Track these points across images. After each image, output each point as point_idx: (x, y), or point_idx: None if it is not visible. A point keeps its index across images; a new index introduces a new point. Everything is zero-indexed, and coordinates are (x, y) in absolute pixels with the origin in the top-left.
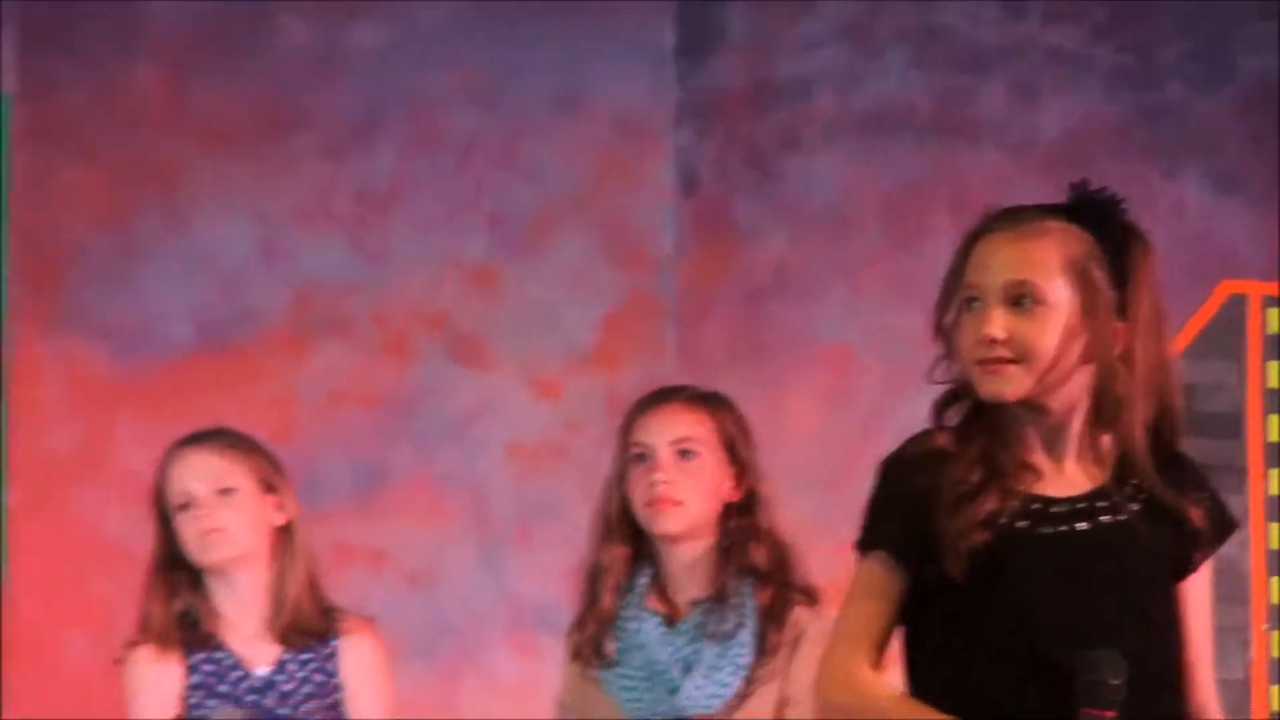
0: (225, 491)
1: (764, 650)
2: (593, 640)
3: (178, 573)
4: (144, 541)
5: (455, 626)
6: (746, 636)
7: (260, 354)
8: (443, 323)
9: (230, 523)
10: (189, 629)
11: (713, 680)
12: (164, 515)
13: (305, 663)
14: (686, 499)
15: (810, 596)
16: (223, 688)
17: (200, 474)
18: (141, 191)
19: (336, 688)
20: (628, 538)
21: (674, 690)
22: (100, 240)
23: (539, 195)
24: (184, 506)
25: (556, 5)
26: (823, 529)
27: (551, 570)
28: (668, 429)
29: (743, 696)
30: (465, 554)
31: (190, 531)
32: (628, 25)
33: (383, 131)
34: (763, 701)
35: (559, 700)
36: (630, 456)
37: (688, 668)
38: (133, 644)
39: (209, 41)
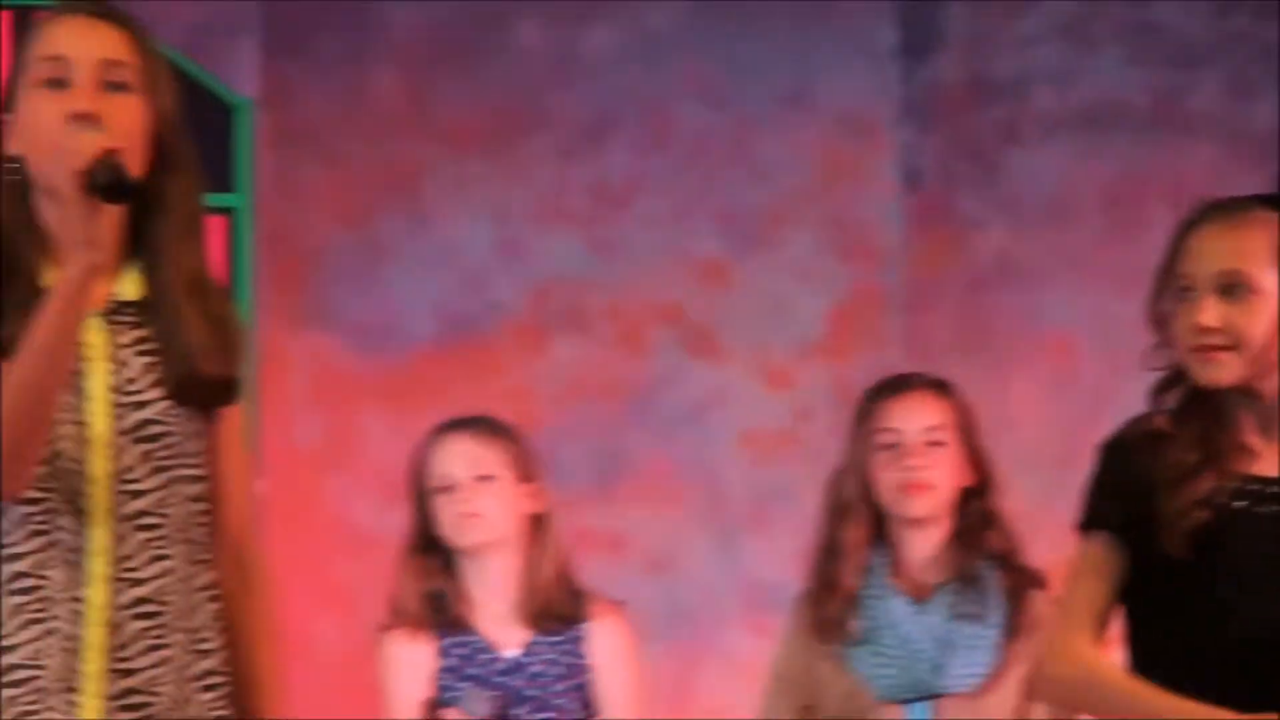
0: (484, 478)
1: (1009, 632)
2: (837, 618)
3: (431, 555)
4: (390, 529)
5: (693, 610)
6: (995, 618)
7: (500, 347)
8: (676, 315)
9: (488, 508)
10: (439, 611)
11: (972, 660)
12: (421, 497)
13: (554, 645)
14: (937, 484)
15: (1039, 580)
16: (472, 670)
17: (461, 459)
18: (384, 192)
19: (585, 670)
20: (868, 519)
21: (934, 668)
22: (345, 240)
23: (767, 191)
24: (444, 490)
25: (783, 6)
26: (1047, 512)
27: (785, 553)
28: (918, 417)
29: (994, 677)
30: (701, 539)
31: (448, 514)
32: (851, 26)
33: (616, 131)
34: (1011, 682)
35: (775, 670)
36: (876, 443)
37: (945, 647)
38: (386, 627)
39: (447, 46)
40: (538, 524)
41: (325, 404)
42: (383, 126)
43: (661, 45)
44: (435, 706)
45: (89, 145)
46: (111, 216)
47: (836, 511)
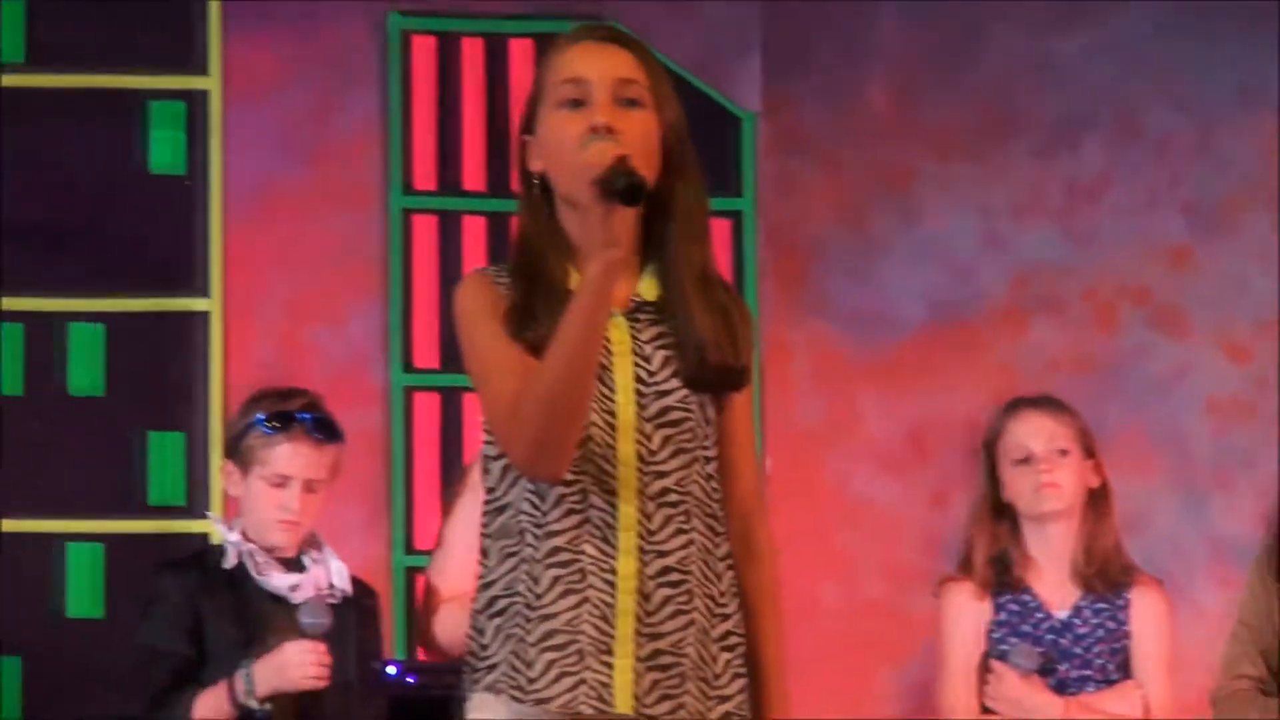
0: (1061, 452)
1: None
2: None
3: (1000, 519)
4: (885, 500)
5: (1164, 564)
6: None
7: (984, 330)
8: (1145, 297)
9: (1063, 479)
10: (1001, 571)
11: None
12: (991, 465)
13: (1099, 610)
14: None
15: None
16: (1025, 628)
17: (1040, 433)
18: (877, 193)
19: (1124, 635)
20: None
21: None
22: (841, 236)
23: (1228, 181)
24: (1022, 460)
25: (1240, 8)
26: None
27: (1247, 512)
28: None
29: None
30: (1171, 500)
31: (1026, 484)
32: None
33: (1088, 131)
34: None
35: (1240, 618)
36: None
37: None
38: (951, 580)
39: (933, 56)
40: (1097, 497)
41: (824, 386)
42: (875, 133)
43: (1130, 50)
44: (985, 658)
45: (603, 154)
46: (628, 220)
47: None
